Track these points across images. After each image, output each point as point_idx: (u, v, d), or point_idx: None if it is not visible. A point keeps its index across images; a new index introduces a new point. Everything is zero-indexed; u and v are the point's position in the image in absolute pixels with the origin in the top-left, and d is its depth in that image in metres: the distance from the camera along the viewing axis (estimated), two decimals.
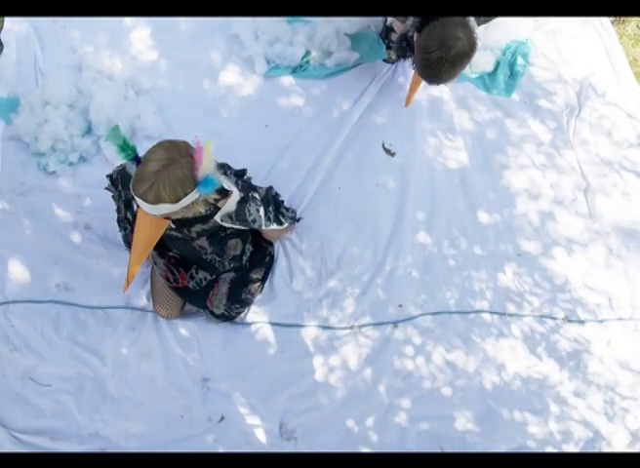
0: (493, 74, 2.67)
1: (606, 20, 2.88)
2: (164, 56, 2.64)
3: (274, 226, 2.06)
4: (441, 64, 1.86)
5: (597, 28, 2.85)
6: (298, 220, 2.33)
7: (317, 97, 2.62)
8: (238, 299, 2.16)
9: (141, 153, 2.41)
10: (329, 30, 2.63)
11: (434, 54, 1.86)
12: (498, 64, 2.67)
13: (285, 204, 2.30)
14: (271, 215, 2.01)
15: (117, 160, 2.41)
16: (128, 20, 2.68)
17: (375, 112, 2.60)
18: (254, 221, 1.88)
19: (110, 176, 1.98)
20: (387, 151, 2.53)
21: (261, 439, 2.08)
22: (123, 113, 2.43)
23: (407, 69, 2.64)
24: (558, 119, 2.66)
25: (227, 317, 2.17)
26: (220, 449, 2.06)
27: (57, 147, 2.38)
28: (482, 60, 2.63)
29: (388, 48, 2.55)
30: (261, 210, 1.92)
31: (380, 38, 2.72)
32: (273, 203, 2.12)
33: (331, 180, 2.47)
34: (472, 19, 1.89)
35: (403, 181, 2.49)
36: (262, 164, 2.45)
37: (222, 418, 2.11)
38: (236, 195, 1.80)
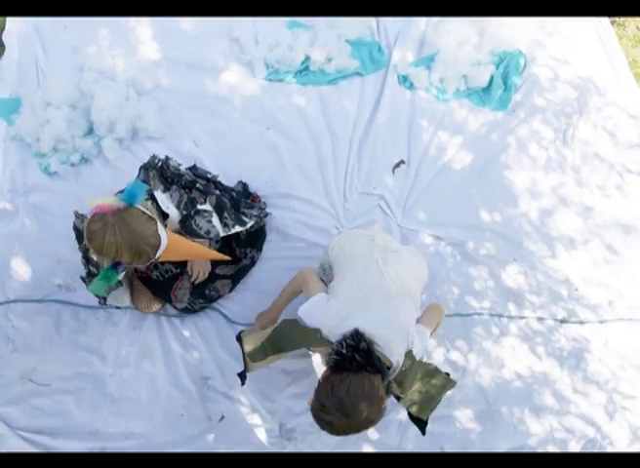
0: (487, 89, 2.69)
1: (606, 22, 2.88)
2: (166, 56, 2.65)
3: (238, 229, 2.03)
4: (329, 426, 1.55)
5: (597, 29, 2.86)
6: (265, 216, 2.28)
7: (319, 102, 2.62)
8: (202, 295, 2.17)
9: (143, 154, 2.43)
10: (330, 36, 2.64)
11: (326, 416, 1.53)
12: (492, 79, 2.68)
13: (249, 200, 2.26)
14: (229, 221, 1.98)
15: (118, 162, 2.42)
16: (129, 21, 2.68)
17: (375, 113, 2.61)
18: (208, 233, 1.89)
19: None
20: (397, 165, 2.53)
21: (262, 438, 2.08)
22: (124, 114, 2.43)
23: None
24: (558, 119, 2.67)
25: (190, 310, 2.19)
26: (221, 449, 2.06)
27: (58, 148, 2.39)
28: (477, 76, 2.65)
29: None
30: (214, 219, 1.91)
31: (380, 46, 2.71)
32: (231, 206, 2.07)
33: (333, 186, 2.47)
34: (381, 389, 1.56)
35: (403, 180, 2.50)
36: (263, 166, 2.46)
37: (223, 417, 2.10)
38: (174, 216, 1.83)
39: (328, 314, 1.70)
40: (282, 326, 1.75)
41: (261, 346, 1.74)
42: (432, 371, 1.73)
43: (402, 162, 2.52)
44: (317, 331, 1.69)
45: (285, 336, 1.73)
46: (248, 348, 1.76)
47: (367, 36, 2.74)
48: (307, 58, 2.66)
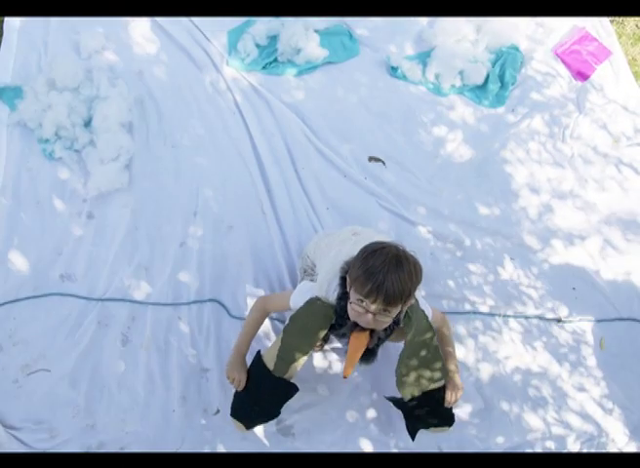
0: (483, 86, 2.69)
1: (605, 19, 2.89)
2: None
3: None
4: (382, 259, 1.45)
5: (596, 27, 2.86)
6: None
7: (310, 93, 2.63)
8: None
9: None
10: (297, 27, 2.62)
11: (375, 254, 1.47)
12: (488, 76, 2.69)
13: None
14: None
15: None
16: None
17: (368, 102, 2.62)
18: None
19: None
20: (376, 160, 2.53)
21: (259, 434, 2.06)
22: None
23: None
24: (557, 116, 2.67)
25: None
26: (217, 443, 2.05)
27: (60, 134, 2.38)
28: (473, 73, 2.66)
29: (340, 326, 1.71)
30: None
31: (351, 34, 2.71)
32: None
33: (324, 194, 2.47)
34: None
35: (401, 176, 2.51)
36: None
37: (218, 411, 2.09)
38: None
39: (318, 282, 1.72)
40: (287, 327, 1.73)
41: (279, 356, 1.72)
42: (431, 358, 1.77)
43: (382, 162, 2.52)
44: (316, 298, 1.68)
45: (296, 329, 1.70)
46: (271, 366, 1.74)
47: (336, 25, 2.72)
48: (275, 50, 2.64)
